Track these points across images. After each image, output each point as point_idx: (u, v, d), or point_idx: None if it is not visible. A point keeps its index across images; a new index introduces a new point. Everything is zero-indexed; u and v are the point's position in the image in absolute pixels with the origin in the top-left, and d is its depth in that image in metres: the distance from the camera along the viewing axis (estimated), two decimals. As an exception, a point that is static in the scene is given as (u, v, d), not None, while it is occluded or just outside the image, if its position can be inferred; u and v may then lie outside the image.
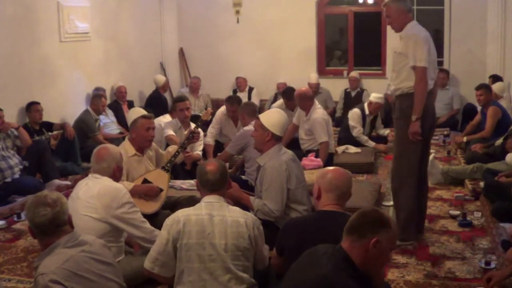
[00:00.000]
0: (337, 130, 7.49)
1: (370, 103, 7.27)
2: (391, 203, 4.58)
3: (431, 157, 5.70)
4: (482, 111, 6.86)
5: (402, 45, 4.07)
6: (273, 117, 3.94)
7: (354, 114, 7.21)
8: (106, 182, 3.39)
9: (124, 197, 3.36)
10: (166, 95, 9.64)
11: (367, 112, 7.26)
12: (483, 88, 6.76)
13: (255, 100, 9.04)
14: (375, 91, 8.81)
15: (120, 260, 3.37)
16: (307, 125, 6.15)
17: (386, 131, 7.49)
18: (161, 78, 8.99)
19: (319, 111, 6.13)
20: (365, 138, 7.11)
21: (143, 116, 4.50)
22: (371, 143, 7.07)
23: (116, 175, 3.49)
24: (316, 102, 6.27)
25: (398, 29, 4.14)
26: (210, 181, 2.92)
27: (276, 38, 9.47)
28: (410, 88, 4.01)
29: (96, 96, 7.18)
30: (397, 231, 2.28)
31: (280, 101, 7.30)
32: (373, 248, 2.18)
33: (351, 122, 7.14)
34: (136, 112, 4.63)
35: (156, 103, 8.46)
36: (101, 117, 7.49)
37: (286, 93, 6.93)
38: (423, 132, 4.05)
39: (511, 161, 5.33)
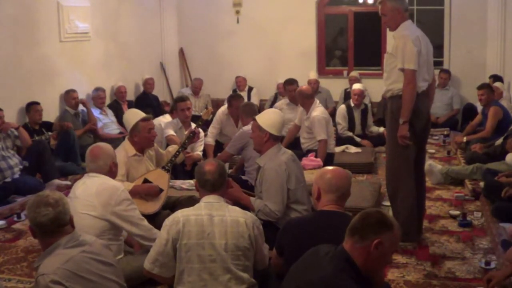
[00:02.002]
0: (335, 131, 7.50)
1: (352, 92, 7.45)
2: (391, 203, 4.57)
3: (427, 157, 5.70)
4: (483, 111, 6.86)
5: (393, 45, 4.03)
6: (269, 118, 3.94)
7: (339, 110, 7.40)
8: (103, 180, 3.41)
9: (122, 194, 3.38)
10: (165, 94, 9.66)
11: (352, 104, 7.36)
12: (485, 88, 6.76)
13: (255, 100, 9.05)
14: (375, 91, 8.87)
15: (120, 259, 3.38)
16: (307, 122, 6.16)
17: (380, 129, 7.51)
18: (143, 77, 8.89)
19: (319, 109, 6.13)
20: (349, 133, 7.20)
21: (143, 119, 4.49)
22: (357, 139, 7.16)
23: (112, 171, 3.52)
24: (317, 100, 6.28)
25: (393, 28, 4.08)
26: (209, 181, 2.92)
27: (276, 38, 9.47)
28: (400, 90, 3.96)
29: (65, 94, 7.08)
30: (400, 233, 2.26)
31: (282, 101, 7.37)
32: (375, 249, 2.17)
33: (337, 119, 7.27)
34: (133, 114, 4.61)
35: (140, 103, 8.30)
36: (101, 116, 7.51)
37: (288, 81, 7.25)
38: (414, 134, 4.01)
39: (511, 161, 5.33)
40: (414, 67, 3.88)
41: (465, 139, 6.86)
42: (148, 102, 8.48)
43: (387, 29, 8.83)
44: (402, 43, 3.93)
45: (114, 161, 3.54)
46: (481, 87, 6.83)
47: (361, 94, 7.40)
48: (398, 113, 3.98)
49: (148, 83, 8.80)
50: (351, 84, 8.95)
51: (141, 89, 9.00)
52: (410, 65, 3.88)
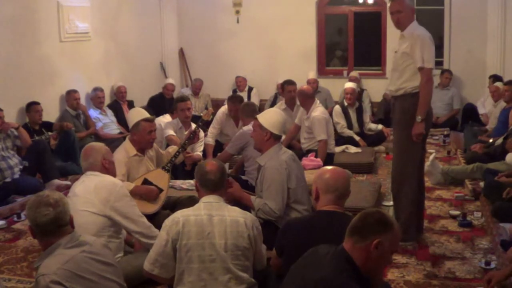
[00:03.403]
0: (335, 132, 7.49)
1: (344, 91, 7.44)
2: (391, 203, 4.57)
3: (431, 156, 5.72)
4: (504, 109, 6.76)
5: (407, 45, 4.02)
6: (271, 117, 3.94)
7: (335, 110, 7.37)
8: (102, 177, 3.43)
9: (121, 190, 3.40)
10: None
11: (346, 104, 7.35)
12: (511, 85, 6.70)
13: (255, 100, 9.05)
14: (375, 91, 8.87)
15: (119, 258, 3.38)
16: (307, 122, 6.16)
17: (379, 126, 7.51)
18: (165, 82, 9.02)
19: (319, 109, 6.14)
20: (349, 131, 7.19)
21: (146, 119, 4.48)
22: (356, 137, 7.15)
23: (106, 168, 3.51)
24: (317, 100, 6.28)
25: (404, 26, 4.07)
26: (211, 181, 2.93)
27: (276, 38, 9.47)
28: (414, 88, 3.99)
29: (67, 94, 7.11)
30: (400, 233, 2.26)
31: (279, 104, 7.32)
32: (375, 249, 2.17)
33: (334, 118, 7.23)
34: (136, 113, 4.62)
35: (153, 104, 8.41)
36: (101, 117, 7.52)
37: (288, 81, 7.03)
38: (425, 132, 4.06)
39: (511, 161, 5.33)
40: (432, 65, 3.97)
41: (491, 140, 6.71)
42: (162, 105, 8.37)
43: (387, 29, 8.81)
44: (419, 42, 3.95)
45: (105, 157, 3.53)
46: (508, 83, 6.76)
47: (353, 92, 7.39)
48: (411, 111, 4.00)
49: (168, 89, 8.84)
50: (350, 84, 8.97)
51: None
52: (429, 64, 3.94)
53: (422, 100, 3.96)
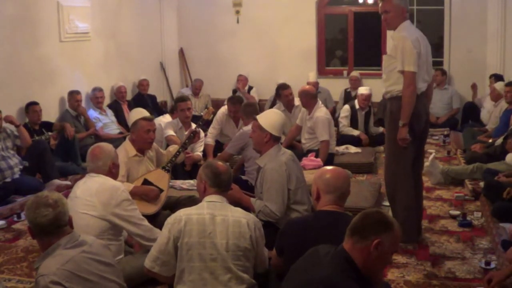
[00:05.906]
0: (337, 129, 7.50)
1: (359, 96, 7.42)
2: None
3: (431, 156, 5.71)
4: (506, 110, 6.75)
5: (392, 46, 3.99)
6: (271, 118, 3.93)
7: (343, 109, 7.40)
8: (104, 180, 3.41)
9: (122, 194, 3.38)
10: (165, 94, 9.67)
11: (357, 106, 7.35)
12: None
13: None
14: (376, 91, 8.83)
15: (120, 259, 3.38)
16: (309, 123, 6.16)
17: (380, 129, 7.52)
18: (138, 78, 8.92)
19: (322, 110, 6.15)
20: (349, 129, 7.20)
21: (144, 118, 4.48)
22: (355, 132, 7.18)
23: (112, 172, 3.51)
24: (319, 101, 6.29)
25: (393, 26, 4.03)
26: (224, 182, 2.96)
27: (276, 38, 9.47)
28: (400, 91, 3.94)
29: (69, 94, 7.09)
30: (400, 233, 2.26)
31: (277, 105, 7.32)
32: (375, 249, 2.17)
33: (341, 114, 7.27)
34: (137, 113, 4.62)
35: (136, 104, 8.33)
36: (101, 117, 7.52)
37: (282, 86, 7.03)
38: (413, 136, 3.99)
39: (511, 161, 5.33)
40: (414, 69, 3.86)
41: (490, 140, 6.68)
42: (144, 103, 8.40)
43: (387, 29, 8.81)
44: (401, 44, 3.89)
45: (114, 161, 3.52)
46: (509, 84, 6.74)
47: (368, 98, 7.40)
48: (397, 114, 3.96)
49: (142, 84, 8.78)
50: (351, 84, 8.96)
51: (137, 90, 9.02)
52: (410, 67, 3.85)
53: (404, 104, 3.89)
